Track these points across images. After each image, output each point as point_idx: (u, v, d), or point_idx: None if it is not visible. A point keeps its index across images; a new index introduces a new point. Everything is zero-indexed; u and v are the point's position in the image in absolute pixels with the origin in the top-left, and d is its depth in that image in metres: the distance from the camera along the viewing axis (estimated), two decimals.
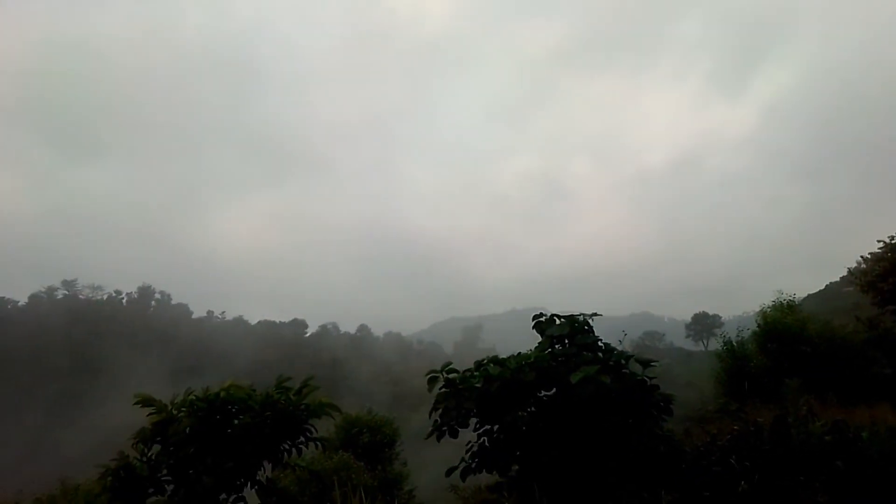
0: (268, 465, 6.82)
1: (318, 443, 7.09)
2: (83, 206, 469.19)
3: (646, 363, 7.54)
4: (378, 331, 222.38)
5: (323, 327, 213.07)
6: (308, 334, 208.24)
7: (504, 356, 7.93)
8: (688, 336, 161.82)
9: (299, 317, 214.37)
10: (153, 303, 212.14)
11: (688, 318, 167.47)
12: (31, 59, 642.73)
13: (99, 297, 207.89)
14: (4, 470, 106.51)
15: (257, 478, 6.63)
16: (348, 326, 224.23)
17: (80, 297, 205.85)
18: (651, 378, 7.46)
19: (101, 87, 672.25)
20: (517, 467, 7.26)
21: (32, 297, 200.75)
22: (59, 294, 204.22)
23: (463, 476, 7.31)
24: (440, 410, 7.50)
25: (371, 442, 17.72)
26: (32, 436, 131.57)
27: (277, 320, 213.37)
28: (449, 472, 7.43)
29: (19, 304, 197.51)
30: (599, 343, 7.76)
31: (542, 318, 8.15)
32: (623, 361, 7.46)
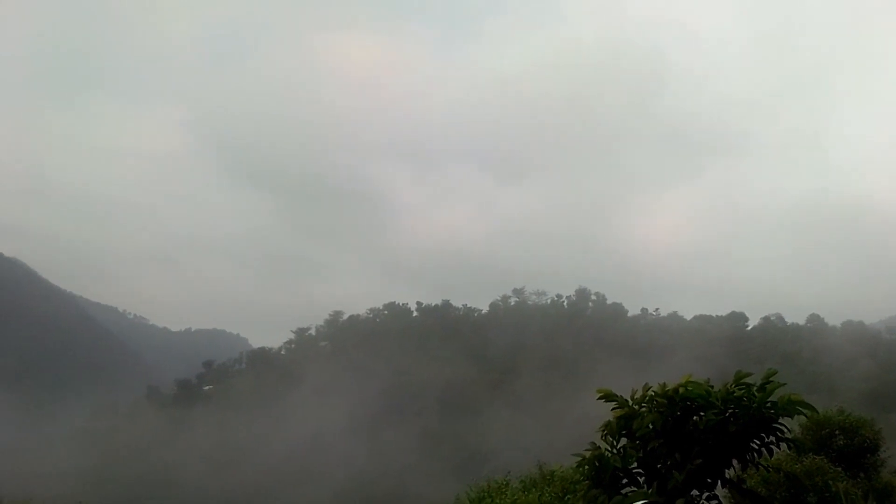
0: (733, 464, 6.54)
1: (789, 444, 6.52)
2: (521, 222, 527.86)
3: None
4: (833, 320, 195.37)
5: (766, 319, 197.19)
6: (749, 328, 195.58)
7: None
8: None
9: (737, 310, 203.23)
10: (590, 304, 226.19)
11: None
12: (469, 98, 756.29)
13: (544, 302, 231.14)
14: (492, 455, 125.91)
15: (726, 476, 6.41)
16: (795, 317, 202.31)
17: (529, 302, 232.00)
18: None
19: (520, 116, 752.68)
20: None
21: (492, 305, 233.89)
22: (512, 301, 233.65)
23: None
24: None
25: (847, 445, 15.55)
26: (506, 424, 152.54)
27: (714, 314, 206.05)
28: None
29: (483, 311, 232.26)
30: None
31: None
32: None
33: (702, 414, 6.44)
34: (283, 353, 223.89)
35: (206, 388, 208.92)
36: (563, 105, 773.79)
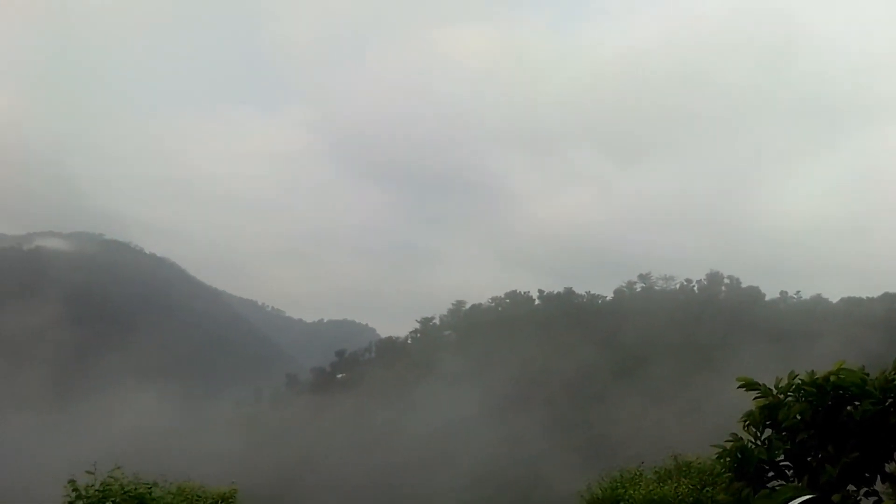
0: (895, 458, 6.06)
1: None
2: (644, 205, 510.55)
3: None
4: None
5: None
6: None
7: None
8: None
9: (890, 290, 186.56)
10: (723, 288, 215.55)
11: None
12: (585, 79, 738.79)
13: (672, 287, 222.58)
14: (623, 444, 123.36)
15: (886, 470, 5.96)
16: None
17: (656, 288, 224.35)
18: None
19: (639, 95, 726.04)
20: None
21: (617, 292, 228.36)
22: (638, 287, 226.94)
23: None
24: None
25: None
26: (636, 413, 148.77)
27: (864, 296, 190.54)
28: None
29: (607, 298, 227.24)
30: None
31: None
32: None
33: (857, 404, 6.02)
34: (409, 342, 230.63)
35: (340, 375, 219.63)
36: (685, 79, 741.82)
